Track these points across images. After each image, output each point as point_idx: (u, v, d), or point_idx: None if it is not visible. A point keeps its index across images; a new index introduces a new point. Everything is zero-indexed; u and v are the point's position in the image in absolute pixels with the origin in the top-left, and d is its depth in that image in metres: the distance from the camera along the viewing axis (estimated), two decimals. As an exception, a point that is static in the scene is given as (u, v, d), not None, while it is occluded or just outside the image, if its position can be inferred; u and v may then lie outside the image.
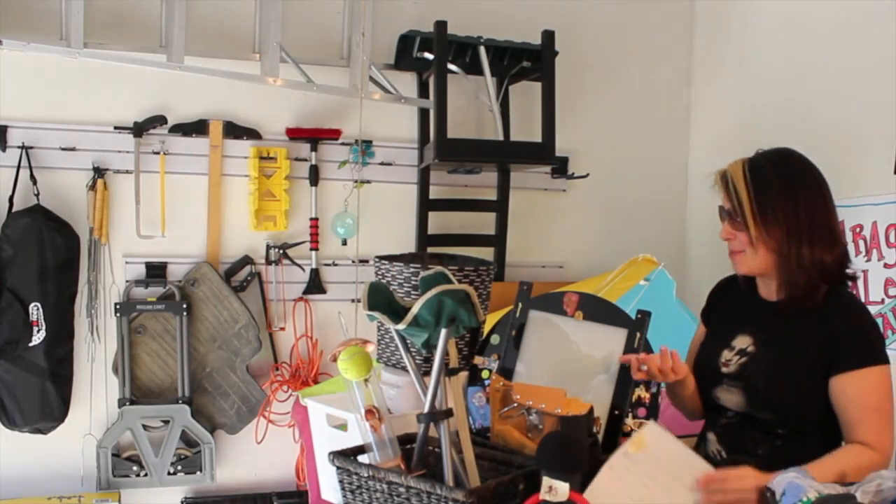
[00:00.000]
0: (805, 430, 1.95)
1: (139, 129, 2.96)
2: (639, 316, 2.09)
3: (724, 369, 2.04)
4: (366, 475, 1.80)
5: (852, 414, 1.89)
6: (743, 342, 2.04)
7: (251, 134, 3.11)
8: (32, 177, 2.85)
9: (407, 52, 3.20)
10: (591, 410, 1.90)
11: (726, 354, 2.05)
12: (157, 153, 3.01)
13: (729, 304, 2.18)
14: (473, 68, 3.22)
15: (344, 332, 2.84)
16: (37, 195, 2.85)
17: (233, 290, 3.05)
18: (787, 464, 1.70)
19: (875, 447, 1.87)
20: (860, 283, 2.76)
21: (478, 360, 2.25)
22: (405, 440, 1.94)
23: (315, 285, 3.19)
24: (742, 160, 2.02)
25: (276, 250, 3.13)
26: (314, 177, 3.16)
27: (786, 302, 1.98)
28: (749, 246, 1.98)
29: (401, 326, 1.79)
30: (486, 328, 2.28)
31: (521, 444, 1.97)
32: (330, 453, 1.86)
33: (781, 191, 1.96)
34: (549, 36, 3.17)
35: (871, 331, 1.97)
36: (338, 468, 1.84)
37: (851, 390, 1.89)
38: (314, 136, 3.16)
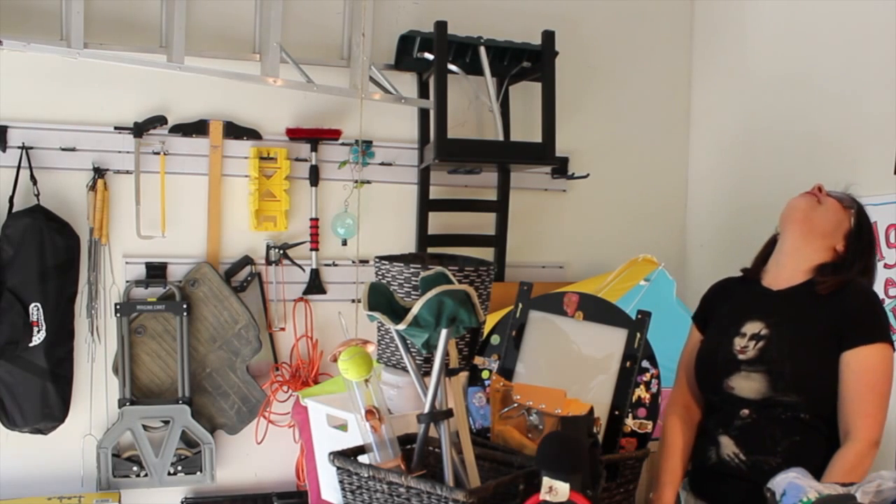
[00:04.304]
0: (824, 413, 1.96)
1: (139, 130, 2.96)
2: (639, 316, 2.10)
3: (740, 356, 2.04)
4: (366, 475, 1.80)
5: (851, 390, 1.93)
6: (754, 327, 2.06)
7: (251, 134, 3.11)
8: (32, 177, 2.85)
9: (407, 53, 3.20)
10: (591, 410, 1.90)
11: (739, 341, 2.06)
12: (158, 153, 3.00)
13: (730, 301, 2.20)
14: (473, 68, 3.22)
15: (344, 333, 2.83)
16: (37, 195, 2.85)
17: (233, 291, 3.05)
18: (806, 462, 1.73)
19: (860, 436, 1.90)
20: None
21: (478, 360, 2.25)
22: (405, 440, 1.94)
23: (315, 285, 3.19)
24: None
25: (277, 250, 3.13)
26: (314, 177, 3.16)
27: (817, 282, 2.04)
28: (830, 213, 2.10)
29: (401, 327, 1.79)
30: (487, 328, 2.28)
31: (521, 444, 1.97)
32: (330, 453, 1.86)
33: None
34: (549, 36, 3.17)
35: (880, 311, 2.03)
36: (338, 468, 1.85)
37: (855, 365, 1.94)
38: (314, 137, 3.16)
